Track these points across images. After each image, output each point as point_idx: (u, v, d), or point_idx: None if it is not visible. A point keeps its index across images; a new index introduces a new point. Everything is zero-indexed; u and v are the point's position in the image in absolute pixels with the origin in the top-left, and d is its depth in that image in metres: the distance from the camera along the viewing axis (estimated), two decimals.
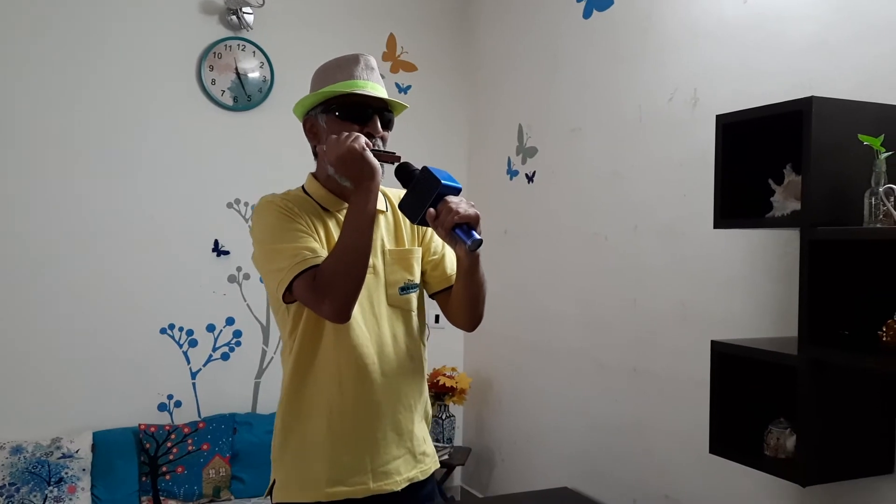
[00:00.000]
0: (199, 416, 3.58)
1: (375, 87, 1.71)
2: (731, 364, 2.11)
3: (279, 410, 1.74)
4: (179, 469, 3.33)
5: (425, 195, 1.55)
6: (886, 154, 1.75)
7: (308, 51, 3.79)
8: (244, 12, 3.60)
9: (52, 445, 3.19)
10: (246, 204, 3.68)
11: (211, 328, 3.64)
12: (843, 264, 1.84)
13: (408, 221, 1.79)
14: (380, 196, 1.77)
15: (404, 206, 1.60)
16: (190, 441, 3.38)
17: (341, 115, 1.67)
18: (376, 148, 1.65)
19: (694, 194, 2.59)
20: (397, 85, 4.04)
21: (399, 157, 1.65)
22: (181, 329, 3.58)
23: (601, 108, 3.11)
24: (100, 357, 3.42)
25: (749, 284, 2.38)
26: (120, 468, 3.28)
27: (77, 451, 3.21)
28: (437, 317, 4.05)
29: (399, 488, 1.72)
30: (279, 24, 3.74)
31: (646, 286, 2.85)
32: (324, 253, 1.60)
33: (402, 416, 1.75)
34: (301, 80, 3.81)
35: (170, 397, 3.56)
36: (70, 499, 3.13)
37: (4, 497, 3.04)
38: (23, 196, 3.29)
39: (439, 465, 1.88)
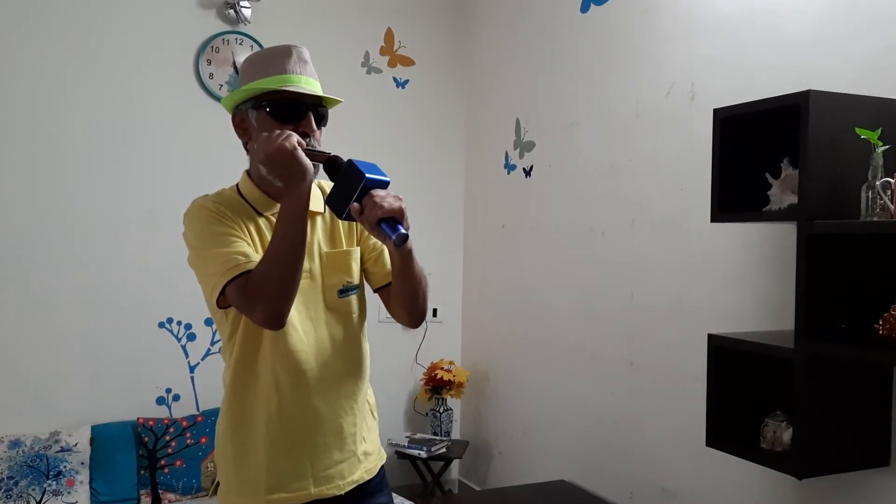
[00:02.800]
0: (198, 409, 3.58)
1: (310, 81, 1.64)
2: (727, 357, 2.12)
3: (221, 413, 1.72)
4: (178, 463, 3.34)
5: (350, 189, 1.48)
6: (883, 148, 1.76)
7: (306, 45, 3.77)
8: (242, 6, 3.59)
9: (50, 439, 3.19)
10: None
11: (209, 322, 3.64)
12: (840, 258, 1.85)
13: (345, 220, 1.74)
14: (317, 194, 1.72)
15: (330, 200, 1.53)
16: (188, 435, 3.38)
17: (272, 112, 1.60)
18: (310, 147, 1.58)
19: (691, 188, 2.59)
20: (395, 79, 4.04)
21: (335, 157, 1.58)
22: (179, 323, 3.58)
23: (598, 102, 3.11)
24: (98, 351, 3.42)
25: (746, 278, 2.39)
26: (118, 462, 3.28)
27: (75, 445, 3.21)
28: (434, 311, 4.08)
29: (342, 492, 1.69)
30: (277, 19, 3.73)
31: (643, 280, 2.85)
32: (256, 257, 1.54)
33: (344, 421, 1.70)
34: None
35: (168, 391, 3.56)
36: (68, 492, 3.13)
37: (3, 490, 3.04)
38: (20, 190, 3.29)
39: (385, 460, 1.84)
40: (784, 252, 2.22)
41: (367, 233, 1.75)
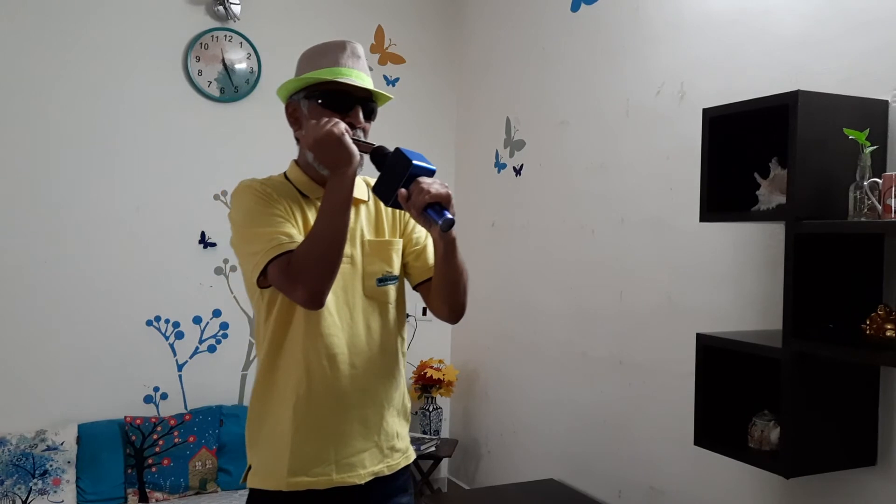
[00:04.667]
0: (186, 408, 3.57)
1: (360, 75, 1.68)
2: (716, 357, 2.12)
3: (252, 396, 1.73)
4: (165, 461, 3.32)
5: (397, 176, 1.52)
6: (871, 148, 1.76)
7: (295, 42, 3.75)
8: (231, 3, 3.57)
9: (36, 438, 3.17)
10: None
11: (197, 320, 3.62)
12: (828, 258, 1.85)
13: (389, 212, 1.78)
14: (362, 185, 1.75)
15: (377, 188, 1.57)
16: (176, 433, 3.37)
17: (324, 102, 1.65)
18: (356, 137, 1.62)
19: (680, 187, 2.59)
20: (385, 77, 4.03)
21: (380, 147, 1.62)
22: (167, 321, 3.57)
23: (589, 101, 3.11)
24: (85, 349, 3.40)
25: (735, 277, 2.39)
26: (105, 460, 3.26)
27: (62, 444, 3.19)
28: (424, 309, 4.06)
29: (362, 482, 1.69)
30: (266, 15, 3.72)
31: (632, 279, 2.86)
32: (300, 238, 1.57)
33: (371, 410, 1.71)
34: (288, 72, 3.78)
35: (156, 389, 3.54)
36: (55, 491, 3.11)
37: None
38: (5, 187, 3.26)
39: (412, 461, 1.84)
40: (772, 252, 2.22)
41: (409, 227, 1.80)
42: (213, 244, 3.64)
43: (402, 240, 1.80)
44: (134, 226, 3.48)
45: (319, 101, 1.65)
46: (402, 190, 1.51)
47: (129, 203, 3.47)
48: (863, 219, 1.75)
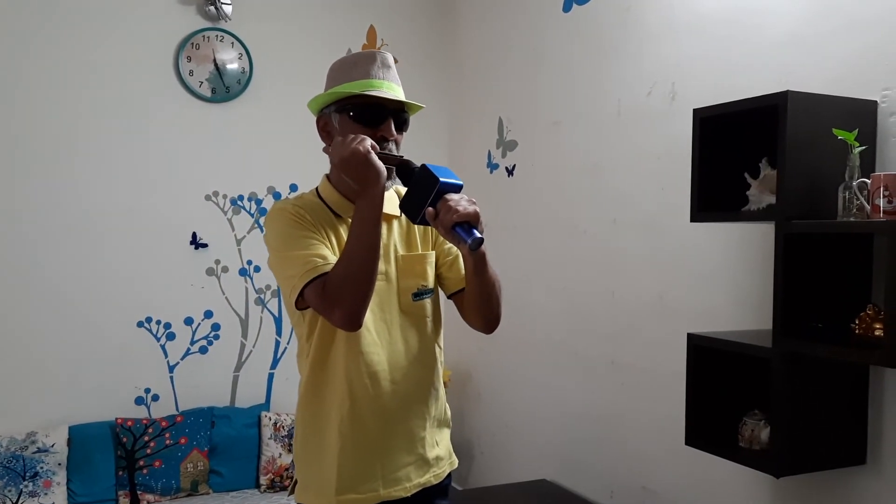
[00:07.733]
0: (177, 409, 3.56)
1: (391, 86, 1.67)
2: (706, 356, 2.12)
3: (297, 413, 1.75)
4: (157, 463, 3.31)
5: (424, 194, 1.51)
6: (860, 148, 1.77)
7: (287, 42, 3.78)
8: (222, 3, 3.56)
9: (27, 440, 3.15)
10: (224, 196, 3.65)
11: (189, 321, 3.61)
12: (818, 258, 1.86)
13: (419, 225, 1.76)
14: (394, 198, 1.73)
15: (404, 205, 1.56)
16: (167, 435, 3.36)
17: (354, 116, 1.63)
18: (387, 151, 1.60)
19: (672, 187, 2.60)
20: None
21: (406, 161, 1.60)
22: (158, 322, 3.55)
23: (581, 101, 3.12)
24: (76, 350, 3.38)
25: (725, 277, 2.40)
26: (96, 462, 3.25)
27: (52, 446, 3.18)
28: None
29: (408, 494, 1.72)
30: (258, 15, 3.71)
31: (624, 279, 2.86)
32: (334, 259, 1.57)
33: (414, 424, 1.74)
34: (280, 72, 3.79)
35: (147, 391, 3.53)
36: (45, 493, 3.10)
37: None
38: None
39: (456, 466, 1.88)
40: (763, 251, 2.23)
41: (441, 238, 1.79)
42: (205, 245, 3.63)
43: (434, 252, 1.80)
44: (125, 226, 3.46)
45: (350, 114, 1.64)
46: (430, 209, 1.50)
47: (120, 203, 3.46)
48: (852, 219, 1.76)
